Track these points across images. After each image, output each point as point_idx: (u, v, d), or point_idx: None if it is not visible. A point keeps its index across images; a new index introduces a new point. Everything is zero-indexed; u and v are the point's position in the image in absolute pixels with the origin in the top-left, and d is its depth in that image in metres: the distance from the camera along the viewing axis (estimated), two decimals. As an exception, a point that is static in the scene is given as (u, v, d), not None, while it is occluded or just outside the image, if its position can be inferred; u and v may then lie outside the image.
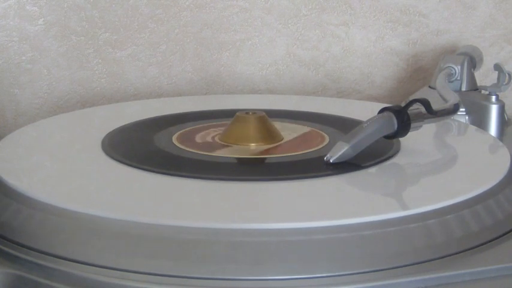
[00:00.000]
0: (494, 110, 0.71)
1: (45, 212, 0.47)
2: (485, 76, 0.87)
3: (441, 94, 0.67)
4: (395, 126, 0.56)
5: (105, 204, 0.48)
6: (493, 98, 0.71)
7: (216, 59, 0.87)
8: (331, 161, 0.54)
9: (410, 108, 0.56)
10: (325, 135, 0.62)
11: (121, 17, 0.84)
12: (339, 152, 0.54)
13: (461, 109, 0.69)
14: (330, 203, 0.49)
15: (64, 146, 0.62)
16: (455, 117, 0.66)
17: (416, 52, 0.89)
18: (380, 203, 0.50)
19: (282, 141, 0.61)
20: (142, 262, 0.43)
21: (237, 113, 0.62)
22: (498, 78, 0.72)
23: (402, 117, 0.56)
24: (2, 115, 0.83)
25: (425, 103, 0.57)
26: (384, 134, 0.56)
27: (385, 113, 0.56)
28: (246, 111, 0.62)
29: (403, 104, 0.57)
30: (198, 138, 0.61)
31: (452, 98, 0.63)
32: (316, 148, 0.59)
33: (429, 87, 0.77)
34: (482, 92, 0.75)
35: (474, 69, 0.77)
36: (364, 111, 0.63)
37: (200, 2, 0.86)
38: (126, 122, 0.66)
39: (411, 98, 0.59)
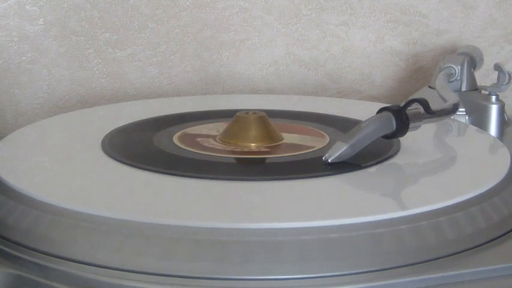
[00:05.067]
0: (494, 110, 0.71)
1: (45, 212, 0.47)
2: (485, 76, 0.87)
3: (441, 94, 0.67)
4: (394, 126, 0.56)
5: (105, 204, 0.48)
6: (493, 98, 0.71)
7: (216, 59, 0.87)
8: (329, 160, 0.54)
9: (409, 108, 0.56)
10: (325, 135, 0.62)
11: (121, 17, 0.84)
12: (337, 151, 0.54)
13: (461, 109, 0.69)
14: (329, 203, 0.49)
15: (64, 146, 0.62)
16: (455, 117, 0.66)
17: (416, 52, 0.89)
18: (379, 202, 0.50)
19: (282, 141, 0.61)
20: (142, 262, 0.43)
21: (237, 113, 0.62)
22: (498, 78, 0.72)
23: (401, 117, 0.56)
24: (2, 115, 0.83)
25: (424, 103, 0.57)
26: (382, 134, 0.56)
27: (384, 113, 0.56)
28: (246, 111, 0.62)
29: (402, 104, 0.57)
30: (198, 138, 0.61)
31: (452, 98, 0.63)
32: (316, 148, 0.59)
33: (429, 87, 0.77)
34: (482, 92, 0.75)
35: (474, 69, 0.77)
36: (364, 111, 0.63)
37: (200, 2, 0.86)
38: (126, 122, 0.66)
39: (411, 98, 0.59)
